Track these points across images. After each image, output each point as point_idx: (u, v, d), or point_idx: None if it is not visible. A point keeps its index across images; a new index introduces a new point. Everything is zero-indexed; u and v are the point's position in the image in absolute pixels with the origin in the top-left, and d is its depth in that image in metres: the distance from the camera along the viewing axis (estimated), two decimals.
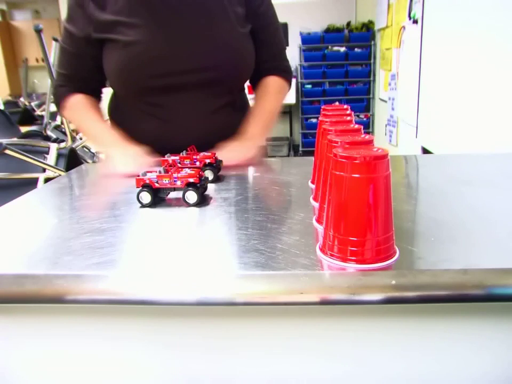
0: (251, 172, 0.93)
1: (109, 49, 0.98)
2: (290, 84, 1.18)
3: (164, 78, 0.98)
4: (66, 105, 1.05)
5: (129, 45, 0.95)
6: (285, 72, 1.15)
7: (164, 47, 0.97)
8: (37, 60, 6.40)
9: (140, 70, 0.97)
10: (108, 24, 0.96)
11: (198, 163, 0.83)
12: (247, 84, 1.16)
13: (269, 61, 1.11)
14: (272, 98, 1.12)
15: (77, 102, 1.04)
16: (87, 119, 1.04)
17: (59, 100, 1.06)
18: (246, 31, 1.05)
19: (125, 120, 1.07)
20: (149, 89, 1.00)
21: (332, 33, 4.74)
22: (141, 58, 0.96)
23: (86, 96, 1.05)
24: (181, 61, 0.98)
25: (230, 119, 1.09)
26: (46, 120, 3.01)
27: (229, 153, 0.94)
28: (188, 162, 0.83)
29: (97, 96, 1.09)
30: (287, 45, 4.81)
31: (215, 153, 0.86)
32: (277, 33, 1.13)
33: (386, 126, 3.76)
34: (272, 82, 1.13)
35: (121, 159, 0.92)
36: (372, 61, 4.56)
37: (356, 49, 4.66)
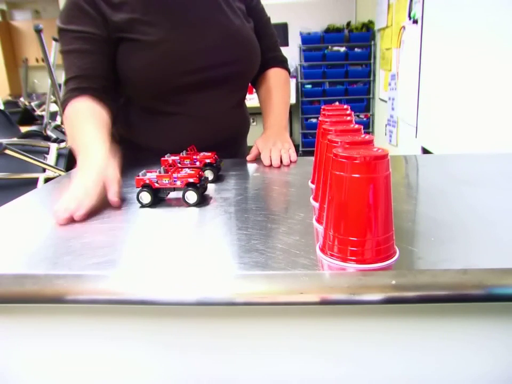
0: (251, 171, 0.93)
1: (130, 50, 0.93)
2: (290, 73, 1.21)
3: (192, 75, 0.97)
4: (66, 112, 0.90)
5: (155, 44, 0.93)
6: (284, 63, 1.18)
7: (190, 44, 0.96)
8: (37, 60, 6.39)
9: (169, 69, 0.95)
10: (124, 24, 0.92)
11: (198, 163, 0.83)
12: None
13: (266, 52, 1.12)
14: (284, 89, 1.15)
15: (76, 109, 0.89)
16: (75, 131, 0.85)
17: (63, 106, 0.90)
18: (252, 25, 1.07)
19: (138, 122, 1.03)
20: (176, 88, 0.98)
21: (332, 33, 4.74)
22: (170, 56, 0.94)
23: (92, 101, 0.89)
24: (207, 57, 0.97)
25: (245, 114, 1.15)
26: (46, 120, 3.00)
27: (275, 153, 0.96)
28: (188, 162, 0.83)
29: (110, 97, 0.95)
30: (287, 45, 4.83)
31: (215, 153, 0.86)
32: (269, 25, 1.15)
33: (386, 126, 3.75)
34: (278, 74, 1.15)
35: (70, 193, 0.68)
36: (372, 61, 4.56)
37: (355, 49, 4.65)
